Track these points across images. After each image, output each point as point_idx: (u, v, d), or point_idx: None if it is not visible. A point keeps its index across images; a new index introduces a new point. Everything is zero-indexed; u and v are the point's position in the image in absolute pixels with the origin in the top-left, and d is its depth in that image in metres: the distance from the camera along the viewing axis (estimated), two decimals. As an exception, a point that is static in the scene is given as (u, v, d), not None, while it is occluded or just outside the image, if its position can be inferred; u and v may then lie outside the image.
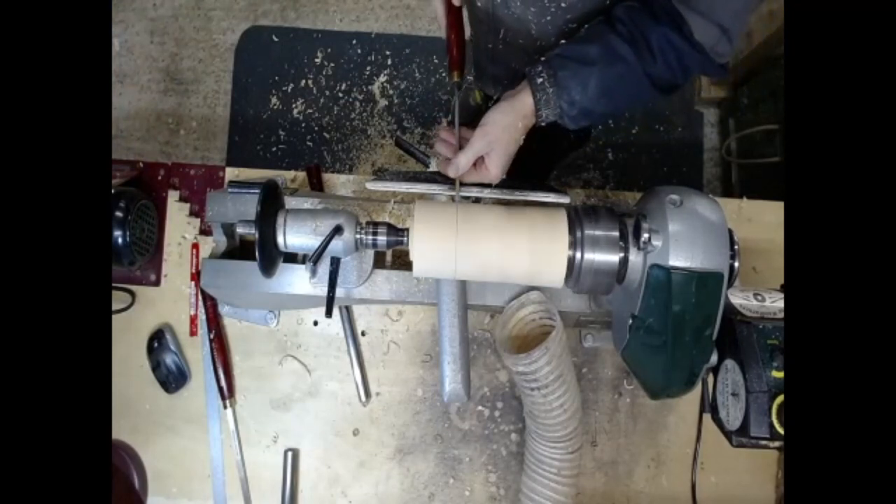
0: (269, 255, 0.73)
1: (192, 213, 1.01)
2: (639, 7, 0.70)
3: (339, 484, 0.97)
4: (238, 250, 0.93)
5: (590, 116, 0.72)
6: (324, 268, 0.82)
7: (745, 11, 0.69)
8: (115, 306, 0.97)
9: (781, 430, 0.64)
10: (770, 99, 1.66)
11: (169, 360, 0.96)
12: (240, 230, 0.74)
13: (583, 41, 0.72)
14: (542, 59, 0.72)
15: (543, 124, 0.73)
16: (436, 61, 2.04)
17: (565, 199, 0.75)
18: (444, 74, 2.03)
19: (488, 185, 0.76)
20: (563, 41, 0.75)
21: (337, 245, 0.74)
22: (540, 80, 0.70)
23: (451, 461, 0.96)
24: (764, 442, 0.65)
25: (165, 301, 0.99)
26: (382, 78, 2.04)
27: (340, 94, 2.03)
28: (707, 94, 1.96)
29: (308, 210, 0.78)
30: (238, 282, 0.85)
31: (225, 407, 0.96)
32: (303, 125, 2.02)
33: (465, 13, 0.87)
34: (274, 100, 2.03)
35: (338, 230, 0.74)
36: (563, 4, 0.74)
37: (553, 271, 0.70)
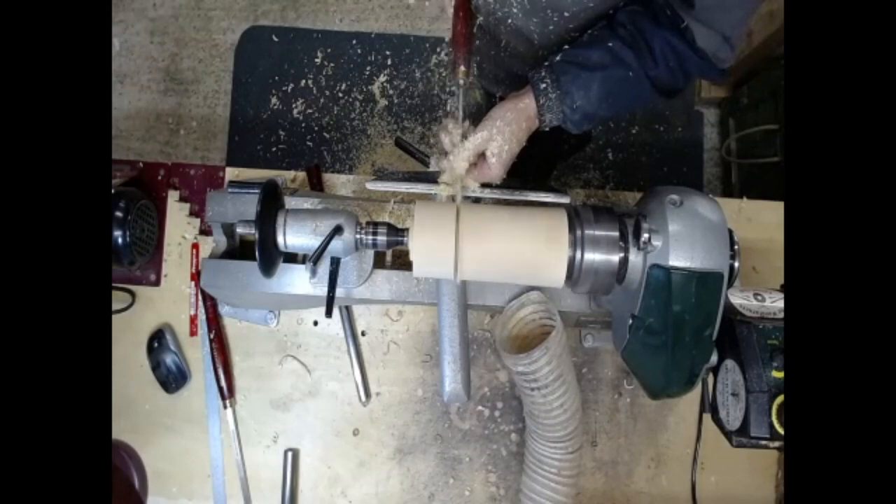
0: (269, 255, 0.73)
1: (192, 213, 1.01)
2: (641, 11, 0.70)
3: (339, 484, 0.97)
4: (238, 250, 0.93)
5: (592, 120, 0.73)
6: (324, 268, 0.82)
7: (746, 21, 0.69)
8: (115, 306, 0.97)
9: (781, 430, 0.64)
10: (770, 99, 1.66)
11: (169, 360, 0.96)
12: (240, 230, 0.74)
13: (585, 46, 0.72)
14: (546, 63, 0.72)
15: (546, 129, 0.73)
16: (436, 61, 2.04)
17: (565, 199, 0.75)
18: (444, 74, 2.03)
19: (489, 185, 0.76)
20: (565, 46, 0.75)
21: (337, 245, 0.74)
22: (543, 85, 0.70)
23: (451, 461, 0.96)
24: (764, 442, 0.65)
25: (165, 301, 0.99)
26: (382, 78, 2.04)
27: (340, 94, 2.03)
28: (707, 94, 1.96)
29: (308, 210, 0.78)
30: (238, 282, 0.85)
31: (225, 407, 0.96)
32: (303, 125, 2.02)
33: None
34: (274, 100, 2.03)
35: (338, 230, 0.74)
36: (565, 14, 0.74)
37: (553, 271, 0.70)
